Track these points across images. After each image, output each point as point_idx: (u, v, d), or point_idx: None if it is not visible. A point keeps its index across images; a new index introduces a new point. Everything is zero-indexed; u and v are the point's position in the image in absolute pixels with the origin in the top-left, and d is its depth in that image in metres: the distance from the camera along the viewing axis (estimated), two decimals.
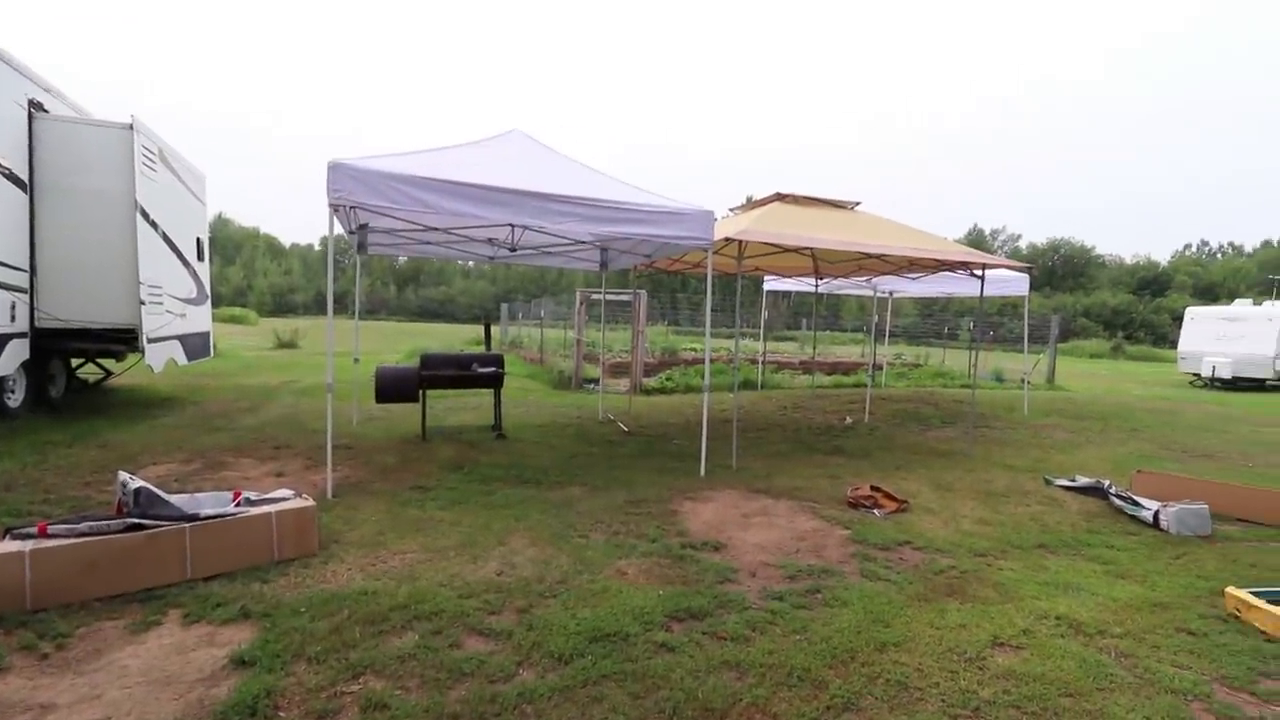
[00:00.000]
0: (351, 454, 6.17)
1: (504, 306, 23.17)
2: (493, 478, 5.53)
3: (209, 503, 3.67)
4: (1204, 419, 11.09)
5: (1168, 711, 2.49)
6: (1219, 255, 74.27)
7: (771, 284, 12.43)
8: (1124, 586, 3.75)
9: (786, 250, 6.82)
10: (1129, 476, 5.96)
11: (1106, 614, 3.34)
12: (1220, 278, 59.60)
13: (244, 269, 71.23)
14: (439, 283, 76.09)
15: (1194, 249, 77.49)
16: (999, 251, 70.37)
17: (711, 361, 15.88)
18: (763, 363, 14.51)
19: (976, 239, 74.47)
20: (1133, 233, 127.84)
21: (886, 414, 10.37)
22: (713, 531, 4.37)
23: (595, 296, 12.33)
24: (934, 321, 29.71)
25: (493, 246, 7.68)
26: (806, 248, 6.57)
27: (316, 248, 78.07)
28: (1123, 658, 2.90)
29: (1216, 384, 19.57)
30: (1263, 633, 3.19)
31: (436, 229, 6.68)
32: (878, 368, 15.72)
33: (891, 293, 13.23)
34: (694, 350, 19.83)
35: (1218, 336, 20.04)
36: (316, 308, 63.93)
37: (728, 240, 6.23)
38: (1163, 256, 71.79)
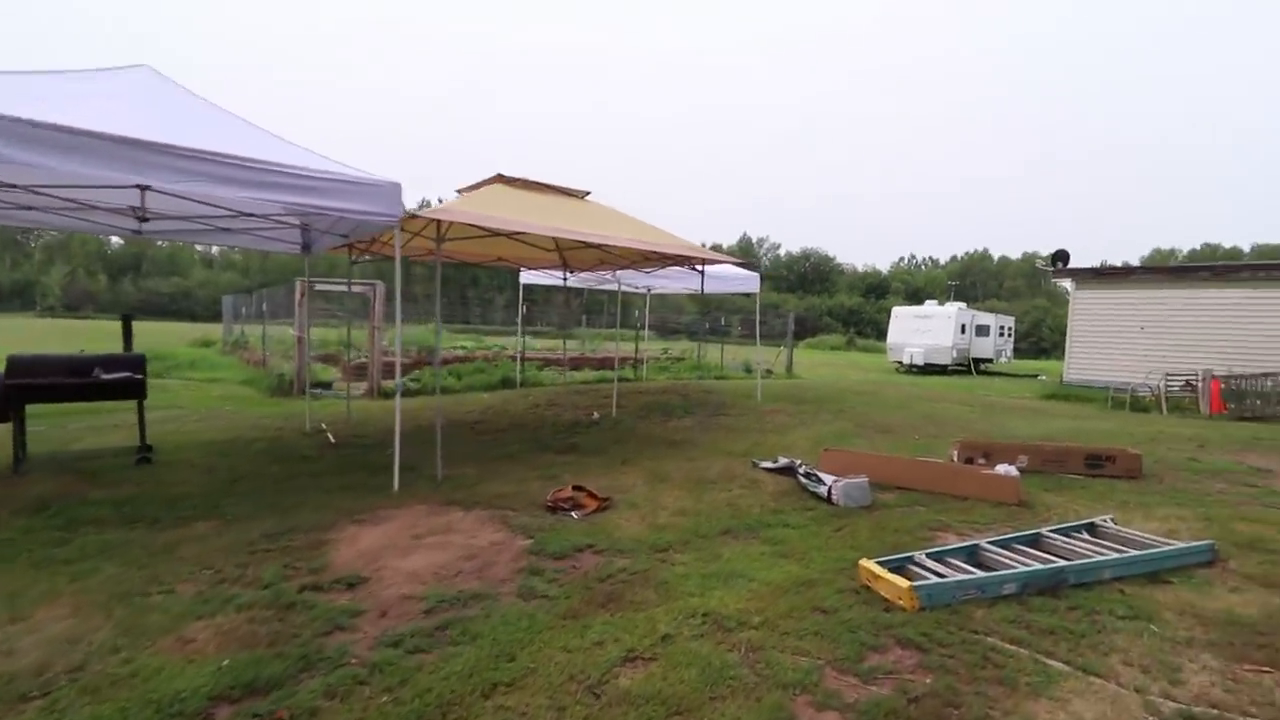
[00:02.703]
0: None
1: (226, 300, 19.63)
2: (86, 519, 4.16)
3: None
4: (898, 398, 12.99)
5: (770, 713, 2.34)
6: (923, 266, 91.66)
7: (527, 277, 11.97)
8: (783, 567, 3.78)
9: (498, 235, 6.28)
10: (820, 454, 6.44)
11: (754, 602, 3.27)
12: (923, 284, 73.57)
13: None
14: (170, 272, 63.26)
15: (905, 261, 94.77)
16: (763, 258, 78.97)
17: (469, 360, 14.92)
18: (521, 359, 14.00)
19: (746, 246, 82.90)
20: (865, 245, 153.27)
21: (636, 406, 10.44)
22: (362, 562, 3.63)
23: (321, 287, 10.73)
24: (710, 318, 32.00)
25: (134, 216, 6.01)
26: (516, 232, 6.09)
27: None
28: (751, 652, 2.77)
29: (914, 369, 23.65)
30: (885, 601, 3.35)
31: (14, 186, 4.94)
32: (640, 362, 16.15)
33: (649, 289, 13.58)
34: (463, 348, 18.71)
35: (913, 331, 24.24)
36: None
37: (427, 220, 5.52)
38: (884, 266, 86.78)
